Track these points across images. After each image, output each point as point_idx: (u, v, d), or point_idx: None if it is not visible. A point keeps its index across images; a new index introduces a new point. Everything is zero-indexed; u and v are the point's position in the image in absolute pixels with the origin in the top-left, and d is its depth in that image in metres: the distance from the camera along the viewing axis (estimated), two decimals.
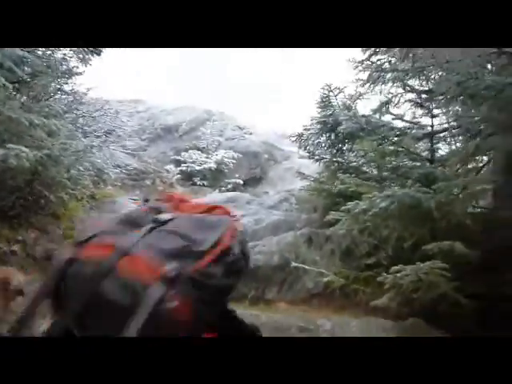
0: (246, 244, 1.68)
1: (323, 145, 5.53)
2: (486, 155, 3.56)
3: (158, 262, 0.99)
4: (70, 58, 5.20)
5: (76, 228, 4.80)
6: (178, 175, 7.63)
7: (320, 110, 5.50)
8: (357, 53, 4.82)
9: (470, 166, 3.76)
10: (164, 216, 1.41)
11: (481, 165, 3.67)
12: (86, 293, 1.00)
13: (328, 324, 2.93)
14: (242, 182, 7.44)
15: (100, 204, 5.50)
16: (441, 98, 3.57)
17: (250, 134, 9.09)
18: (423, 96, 3.85)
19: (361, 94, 4.99)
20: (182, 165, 7.65)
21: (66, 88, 5.80)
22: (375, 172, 4.14)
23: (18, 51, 4.09)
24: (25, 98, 4.80)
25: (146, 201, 1.65)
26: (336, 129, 4.93)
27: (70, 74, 5.34)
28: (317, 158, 5.35)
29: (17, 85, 4.39)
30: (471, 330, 3.23)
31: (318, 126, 5.48)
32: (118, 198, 5.92)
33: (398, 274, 2.85)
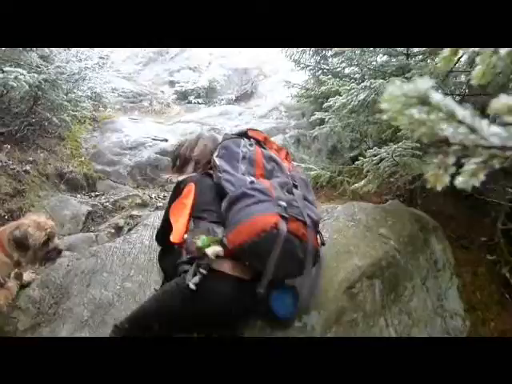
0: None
1: (307, 52, 5.33)
2: None
3: (315, 231, 1.77)
4: None
5: (82, 146, 4.82)
6: (174, 95, 7.44)
7: None
8: None
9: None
10: (295, 181, 1.96)
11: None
12: (290, 255, 1.68)
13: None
14: (234, 98, 7.21)
15: (102, 125, 5.45)
16: None
17: (239, 51, 8.70)
18: None
19: None
20: (176, 85, 7.40)
21: None
22: (356, 69, 4.01)
23: None
24: None
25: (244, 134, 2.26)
26: None
27: None
28: (302, 66, 5.16)
29: None
30: (443, 207, 3.33)
31: None
32: (118, 118, 5.85)
33: (375, 158, 2.83)
